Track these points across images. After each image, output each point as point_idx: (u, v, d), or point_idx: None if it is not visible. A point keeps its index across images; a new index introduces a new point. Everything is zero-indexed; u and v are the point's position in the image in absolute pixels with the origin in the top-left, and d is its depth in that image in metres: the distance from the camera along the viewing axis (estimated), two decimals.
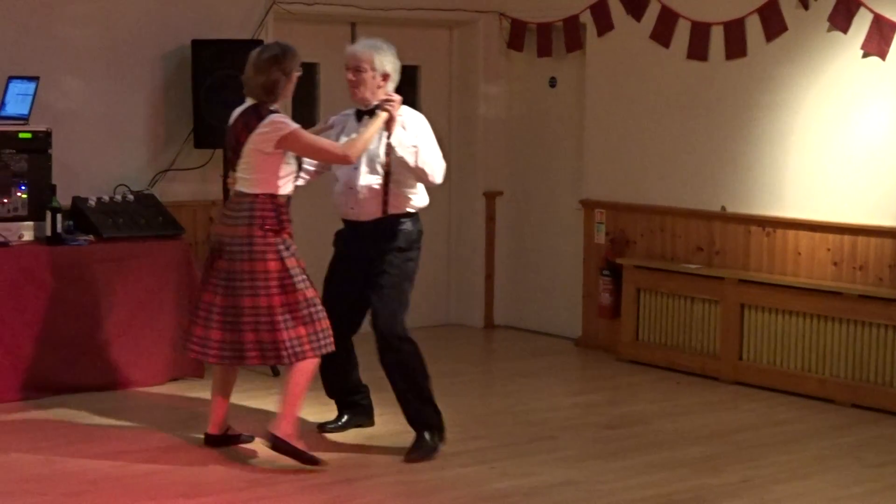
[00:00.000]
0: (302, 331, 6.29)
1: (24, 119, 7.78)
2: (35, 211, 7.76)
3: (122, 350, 7.82)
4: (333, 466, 6.29)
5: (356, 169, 6.59)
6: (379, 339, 6.65)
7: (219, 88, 8.43)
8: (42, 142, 7.80)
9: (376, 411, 7.21)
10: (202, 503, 5.75)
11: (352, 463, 6.39)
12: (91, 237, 7.89)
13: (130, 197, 8.28)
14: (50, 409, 7.34)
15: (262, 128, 6.26)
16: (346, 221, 6.82)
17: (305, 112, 9.63)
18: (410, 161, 6.56)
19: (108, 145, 8.53)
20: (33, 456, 6.40)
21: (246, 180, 6.31)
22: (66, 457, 6.38)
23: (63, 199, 7.90)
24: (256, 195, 6.29)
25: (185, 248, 8.19)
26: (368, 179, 6.59)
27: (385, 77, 6.72)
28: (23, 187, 7.74)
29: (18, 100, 7.82)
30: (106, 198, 8.19)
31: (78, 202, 8.11)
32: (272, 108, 6.39)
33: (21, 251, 7.61)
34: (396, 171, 6.58)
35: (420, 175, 6.65)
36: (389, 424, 7.11)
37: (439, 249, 10.34)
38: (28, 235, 7.75)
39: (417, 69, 10.18)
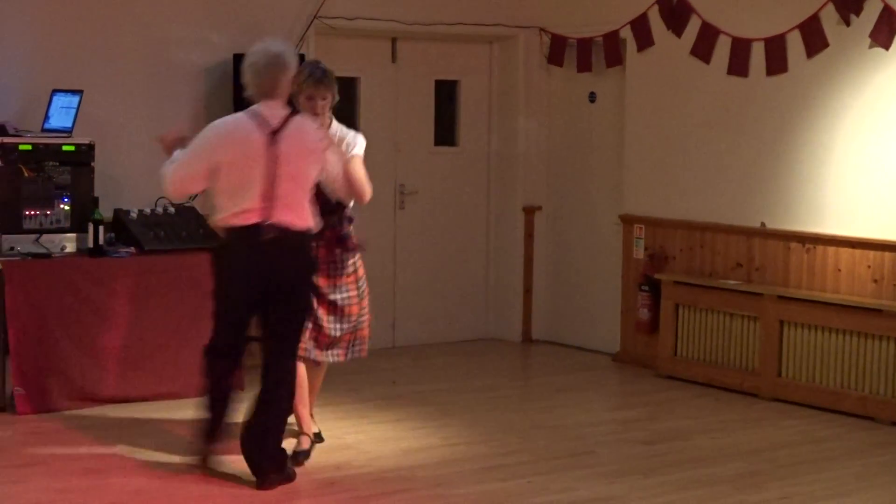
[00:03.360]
0: None
1: (67, 132, 7.85)
2: (77, 223, 7.82)
3: (162, 361, 7.86)
4: (372, 479, 6.30)
5: None
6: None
7: None
8: (85, 154, 7.87)
9: (415, 424, 7.22)
10: None
11: (390, 476, 6.39)
12: (132, 249, 7.94)
13: (171, 209, 8.32)
14: (91, 419, 7.39)
15: None
16: None
17: (348, 126, 9.65)
18: None
19: (150, 157, 8.56)
20: (76, 465, 6.44)
21: None
22: (108, 467, 6.42)
23: (105, 211, 7.96)
24: None
25: None
26: None
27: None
28: (66, 199, 7.81)
29: (62, 113, 7.89)
30: (147, 210, 8.24)
31: (120, 214, 8.16)
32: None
33: (63, 263, 7.67)
34: None
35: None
36: (429, 438, 7.12)
37: (477, 264, 10.35)
38: (70, 247, 7.81)
39: (457, 84, 10.20)
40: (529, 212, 10.26)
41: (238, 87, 8.55)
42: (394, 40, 9.81)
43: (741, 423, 7.74)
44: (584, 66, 9.75)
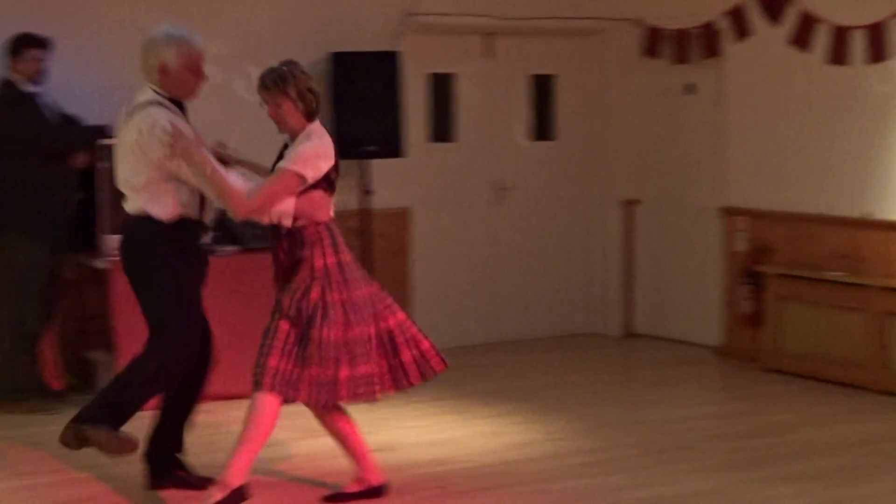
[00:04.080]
0: None
1: None
2: None
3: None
4: (474, 474, 6.31)
5: None
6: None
7: (357, 99, 8.54)
8: None
9: (517, 419, 7.22)
10: None
11: (493, 471, 6.39)
12: (234, 248, 8.02)
13: None
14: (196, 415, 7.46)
15: None
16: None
17: (443, 122, 9.70)
18: None
19: (253, 158, 8.65)
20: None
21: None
22: (214, 463, 6.48)
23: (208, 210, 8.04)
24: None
25: None
26: None
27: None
28: None
29: None
30: None
31: (222, 213, 8.23)
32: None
33: None
34: None
35: None
36: (531, 433, 7.12)
37: (576, 259, 10.31)
38: None
39: (554, 78, 10.17)
40: (628, 205, 10.20)
41: (337, 85, 8.63)
42: (489, 36, 9.81)
43: (846, 415, 7.64)
44: (681, 57, 9.68)
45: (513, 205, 10.04)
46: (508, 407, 7.75)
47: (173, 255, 5.84)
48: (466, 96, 9.79)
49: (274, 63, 8.71)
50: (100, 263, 7.68)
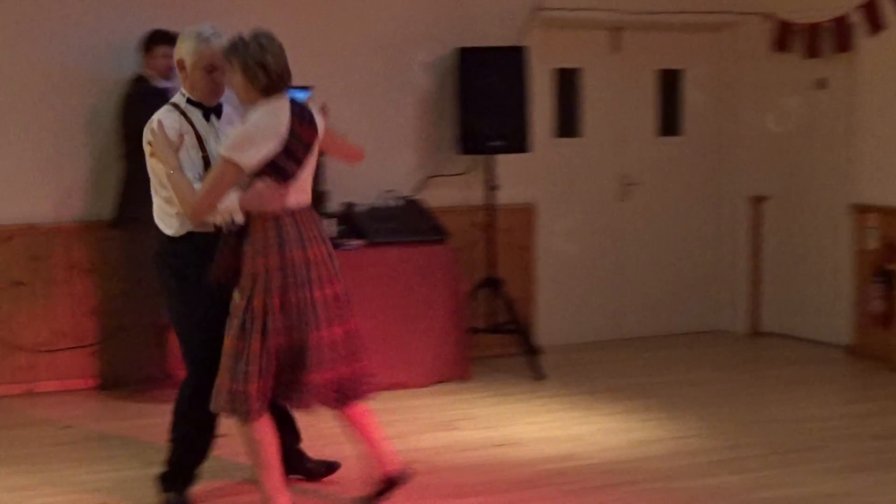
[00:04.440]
0: None
1: None
2: None
3: (390, 352, 7.98)
4: (600, 471, 6.28)
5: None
6: None
7: (484, 95, 8.56)
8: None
9: (643, 416, 7.18)
10: (466, 503, 5.80)
11: (619, 468, 6.36)
12: (360, 241, 8.08)
13: (398, 202, 8.45)
14: (321, 408, 7.52)
15: (319, 122, 5.46)
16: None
17: (570, 117, 9.67)
18: None
19: (378, 151, 8.73)
20: (309, 452, 6.56)
21: (310, 187, 5.41)
22: (340, 454, 6.53)
23: (334, 204, 8.12)
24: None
25: (451, 252, 8.30)
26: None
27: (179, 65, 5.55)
28: None
29: None
30: (375, 203, 8.38)
31: (348, 207, 8.32)
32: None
33: None
34: None
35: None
36: (657, 430, 7.07)
37: (702, 255, 10.21)
38: None
39: (681, 73, 10.08)
40: (756, 201, 10.07)
41: (463, 80, 8.65)
42: (616, 30, 9.75)
43: None
44: (812, 51, 9.52)
45: (639, 200, 9.97)
46: (633, 404, 7.70)
47: (179, 276, 5.48)
48: (592, 91, 9.75)
49: (401, 58, 8.82)
50: None
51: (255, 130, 5.13)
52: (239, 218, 5.18)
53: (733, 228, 10.17)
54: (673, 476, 6.22)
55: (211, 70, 5.41)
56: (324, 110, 5.63)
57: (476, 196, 8.92)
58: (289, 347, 5.22)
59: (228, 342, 5.21)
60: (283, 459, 5.60)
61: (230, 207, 5.13)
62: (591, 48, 9.70)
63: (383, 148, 8.80)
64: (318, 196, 7.92)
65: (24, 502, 5.73)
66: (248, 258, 5.17)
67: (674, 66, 10.06)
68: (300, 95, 8.03)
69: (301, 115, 5.28)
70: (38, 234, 7.91)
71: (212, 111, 5.49)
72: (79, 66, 7.98)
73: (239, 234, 5.19)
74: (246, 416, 5.25)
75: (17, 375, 7.87)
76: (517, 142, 8.72)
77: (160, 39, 7.71)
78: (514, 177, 9.08)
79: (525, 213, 9.35)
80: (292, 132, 5.18)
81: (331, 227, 7.99)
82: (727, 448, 6.74)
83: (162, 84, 7.73)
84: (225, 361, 5.22)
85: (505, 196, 8.97)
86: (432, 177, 8.90)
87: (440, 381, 8.16)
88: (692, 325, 10.13)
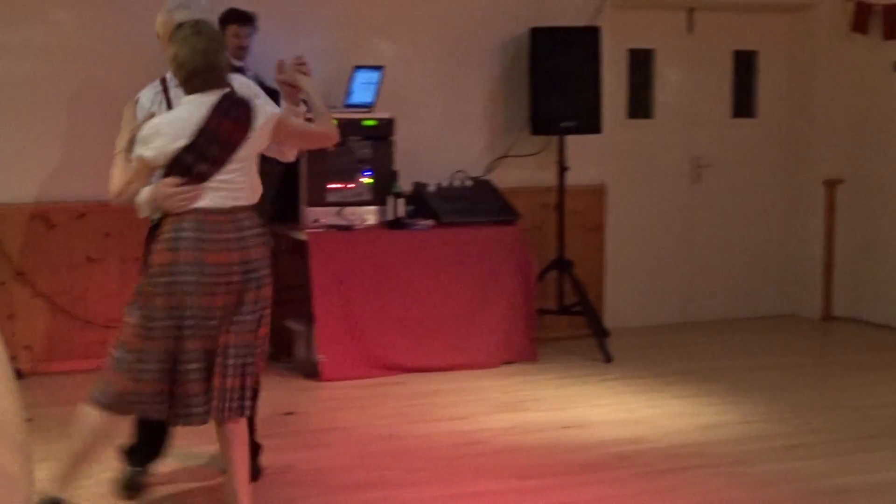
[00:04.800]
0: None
1: (369, 107, 8.04)
2: (378, 196, 8.02)
3: (459, 333, 7.98)
4: (668, 454, 6.25)
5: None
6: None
7: (555, 75, 8.52)
8: (385, 129, 8.06)
9: (711, 400, 7.14)
10: (533, 485, 5.79)
11: (686, 452, 6.32)
12: (431, 222, 8.08)
13: (469, 182, 8.44)
14: (390, 387, 7.57)
15: (262, 119, 4.95)
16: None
17: (643, 98, 9.61)
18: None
19: (448, 131, 8.73)
20: (375, 431, 6.61)
21: (242, 189, 4.94)
22: (406, 435, 6.56)
23: (404, 184, 8.13)
24: (254, 206, 5.06)
25: (521, 233, 8.28)
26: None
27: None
28: (367, 173, 8.00)
29: (364, 88, 8.08)
30: (445, 183, 8.38)
31: (418, 187, 8.32)
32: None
33: (364, 235, 7.88)
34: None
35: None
36: (726, 414, 7.02)
37: (775, 239, 10.12)
38: (371, 220, 8.01)
39: (756, 54, 9.98)
40: (831, 185, 9.95)
41: (535, 60, 8.62)
42: (690, 11, 9.66)
43: None
44: (890, 33, 9.38)
45: (711, 183, 9.89)
46: (702, 387, 7.65)
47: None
48: (665, 72, 9.67)
49: (474, 39, 8.79)
50: (300, 234, 7.82)
51: (162, 125, 4.83)
52: (153, 214, 4.94)
53: (806, 212, 10.06)
54: (741, 460, 6.17)
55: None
56: (300, 68, 5.34)
57: (547, 177, 8.89)
58: (166, 351, 4.82)
59: (124, 334, 4.90)
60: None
61: (143, 200, 4.88)
62: (665, 29, 9.63)
63: (454, 128, 8.80)
64: (390, 176, 7.95)
65: (94, 475, 5.78)
66: (151, 253, 4.93)
67: (749, 48, 9.96)
68: (373, 74, 8.05)
69: (228, 112, 4.83)
70: (111, 211, 7.97)
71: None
72: (151, 45, 8.02)
73: (154, 228, 5.00)
74: (109, 405, 4.90)
75: (89, 350, 7.95)
76: (589, 122, 8.67)
77: (231, 18, 7.74)
78: (585, 158, 9.04)
79: (596, 195, 9.31)
80: (205, 131, 4.77)
81: (400, 208, 8.00)
82: (797, 433, 6.67)
83: (233, 63, 7.75)
84: (116, 352, 4.93)
85: (575, 177, 8.93)
86: (503, 157, 8.88)
87: (508, 362, 8.16)
88: (763, 309, 10.04)
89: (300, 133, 5.26)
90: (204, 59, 4.83)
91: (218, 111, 4.81)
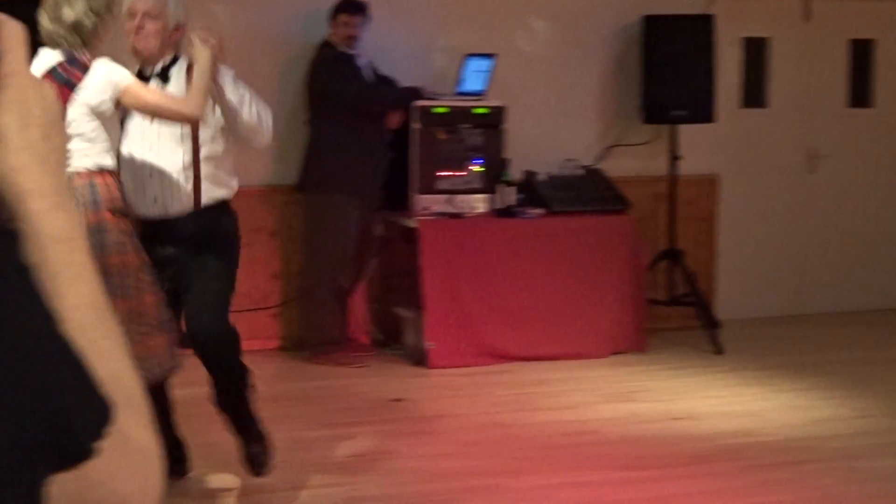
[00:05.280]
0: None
1: (480, 95, 8.04)
2: (488, 184, 8.01)
3: (568, 322, 7.95)
4: (780, 448, 6.17)
5: (146, 141, 5.03)
6: (208, 343, 5.08)
7: (668, 64, 8.45)
8: (497, 117, 8.04)
9: (824, 394, 7.02)
10: (641, 476, 5.75)
11: (799, 446, 6.23)
12: (541, 210, 8.06)
13: (579, 171, 8.40)
14: (498, 375, 7.57)
15: (92, 81, 4.72)
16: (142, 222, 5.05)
17: (757, 87, 9.49)
18: (245, 112, 5.02)
19: (559, 119, 8.70)
20: (482, 420, 6.61)
21: (77, 154, 4.70)
22: (513, 423, 6.56)
23: (515, 172, 8.12)
24: (93, 171, 4.76)
25: (632, 223, 8.22)
26: (179, 154, 5.01)
27: (179, 29, 5.02)
28: (478, 161, 8.00)
29: (476, 76, 8.08)
30: (555, 172, 8.34)
31: (529, 176, 8.30)
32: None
33: (474, 223, 7.87)
34: (218, 137, 5.09)
35: (251, 131, 5.11)
36: (840, 408, 6.92)
37: (890, 230, 9.93)
38: (481, 208, 8.00)
39: (874, 43, 9.79)
40: None
41: (648, 48, 8.55)
42: None
43: None
44: None
45: (826, 173, 9.73)
46: (814, 381, 7.53)
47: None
48: (781, 61, 9.53)
49: (586, 26, 8.74)
50: (410, 222, 7.84)
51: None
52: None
53: None
54: (856, 455, 6.07)
55: (131, 17, 4.92)
56: (204, 41, 4.85)
57: (658, 166, 8.82)
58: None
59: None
60: None
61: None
62: (781, 17, 9.48)
63: (565, 116, 8.76)
64: (500, 164, 7.94)
65: (206, 458, 5.86)
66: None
67: (866, 36, 9.78)
68: (484, 62, 8.05)
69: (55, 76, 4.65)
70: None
71: (164, 71, 4.96)
72: (270, 31, 8.11)
73: None
74: None
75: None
76: (702, 111, 8.58)
77: (342, 7, 7.78)
78: (697, 147, 8.95)
79: (708, 184, 9.21)
80: None
81: (510, 196, 7.98)
82: None
83: (346, 51, 7.80)
84: None
85: (687, 166, 8.84)
86: (614, 146, 8.82)
87: (617, 353, 8.11)
88: (878, 301, 9.86)
89: (151, 107, 4.85)
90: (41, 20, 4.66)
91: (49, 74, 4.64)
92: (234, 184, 5.21)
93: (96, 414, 1.05)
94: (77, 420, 1.03)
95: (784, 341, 8.70)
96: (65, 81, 4.65)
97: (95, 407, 1.05)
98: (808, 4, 9.50)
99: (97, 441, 1.04)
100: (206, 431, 5.64)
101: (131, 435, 1.07)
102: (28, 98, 1.08)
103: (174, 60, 5.00)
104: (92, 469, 1.04)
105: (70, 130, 4.65)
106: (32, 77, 1.09)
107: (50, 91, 1.11)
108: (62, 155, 1.09)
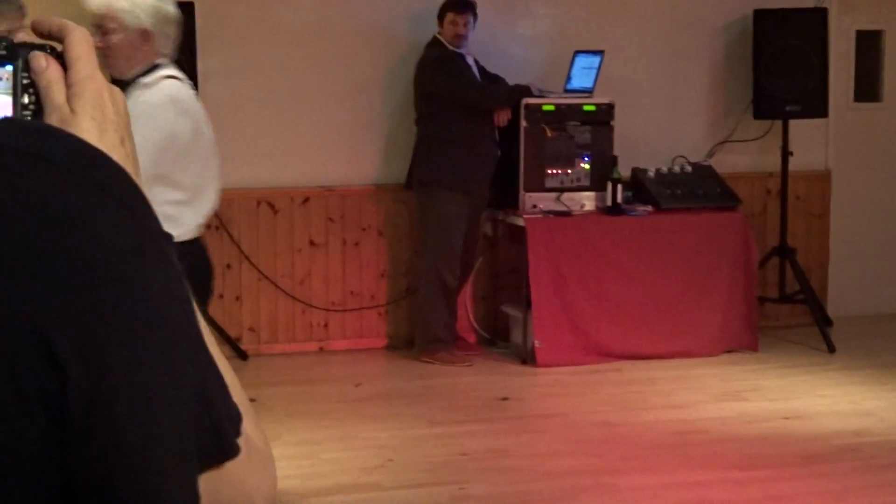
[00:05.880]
0: None
1: (588, 92, 8.00)
2: (597, 181, 7.96)
3: (678, 320, 7.88)
4: (893, 448, 6.05)
5: None
6: None
7: (780, 58, 8.35)
8: (605, 114, 8.00)
9: None
10: (753, 476, 5.69)
11: None
12: (650, 208, 8.00)
13: (688, 168, 8.32)
14: (606, 374, 7.53)
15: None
16: None
17: (871, 81, 9.32)
18: None
19: (668, 116, 8.63)
20: (593, 417, 6.59)
21: None
22: (621, 422, 6.52)
23: (623, 169, 8.06)
24: None
25: (743, 219, 8.12)
26: None
27: (145, 36, 4.36)
28: (586, 158, 7.96)
29: (584, 73, 8.04)
30: (664, 169, 8.27)
31: (637, 173, 8.24)
32: None
33: (583, 220, 7.84)
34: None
35: None
36: None
37: None
38: (589, 205, 7.97)
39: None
40: None
41: (758, 42, 8.44)
42: None
43: None
44: None
45: None
46: None
47: None
48: (895, 54, 9.35)
49: (695, 21, 8.66)
50: (518, 220, 7.83)
51: None
52: None
53: None
54: None
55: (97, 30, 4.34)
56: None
57: (769, 162, 8.70)
58: None
59: None
60: None
61: None
62: (895, 9, 9.31)
63: (674, 113, 8.69)
64: (609, 161, 7.90)
65: (315, 455, 5.91)
66: None
67: None
68: (593, 59, 8.01)
69: None
70: (333, 195, 8.13)
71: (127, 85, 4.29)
72: (378, 29, 8.15)
73: None
74: None
75: (311, 333, 8.13)
76: (815, 106, 8.46)
77: (449, 6, 7.78)
78: (809, 142, 8.82)
79: (820, 180, 9.07)
80: None
81: (619, 194, 7.93)
82: None
83: (455, 49, 7.81)
84: None
85: (799, 162, 8.72)
86: (724, 142, 8.73)
87: (728, 351, 8.02)
88: None
89: None
90: None
91: None
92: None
93: (235, 413, 1.08)
94: (224, 417, 1.06)
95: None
96: None
97: (233, 407, 1.08)
98: None
99: (238, 440, 1.07)
100: None
101: (251, 437, 1.11)
102: (104, 103, 1.10)
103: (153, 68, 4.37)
104: (231, 467, 1.07)
105: None
106: (105, 81, 1.11)
107: (121, 95, 1.13)
108: (136, 159, 1.11)
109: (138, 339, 0.98)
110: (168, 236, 1.05)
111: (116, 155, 1.06)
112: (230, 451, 1.06)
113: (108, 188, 1.01)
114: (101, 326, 0.96)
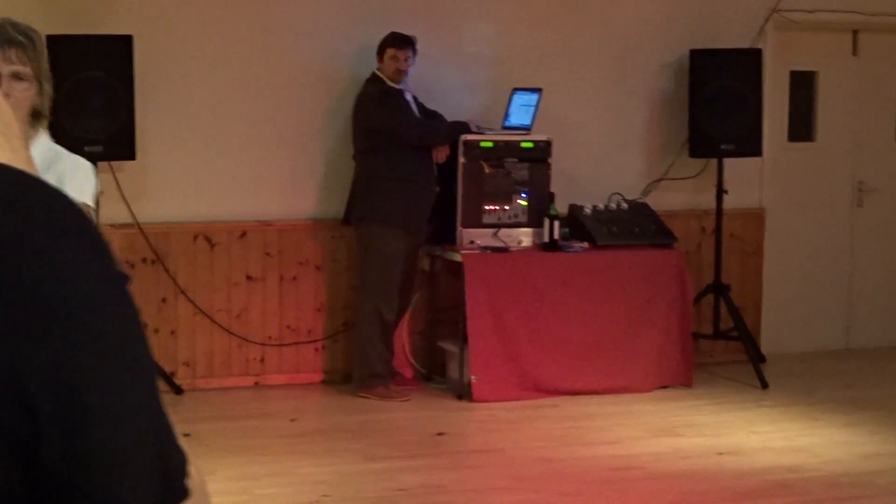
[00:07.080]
0: None
1: (526, 129, 8.05)
2: (534, 218, 8.01)
3: (614, 356, 7.93)
4: (826, 484, 6.11)
5: None
6: None
7: (716, 97, 8.44)
8: (543, 151, 8.05)
9: (872, 429, 6.96)
10: None
11: (845, 481, 6.16)
12: (586, 244, 8.05)
13: (625, 205, 8.39)
14: (543, 409, 7.54)
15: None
16: None
17: (805, 121, 9.45)
18: None
19: (605, 153, 8.70)
20: (527, 454, 6.60)
21: None
22: (558, 458, 6.54)
23: (560, 206, 8.12)
24: None
25: (678, 256, 8.20)
26: None
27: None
28: (524, 195, 8.00)
29: (522, 111, 8.09)
30: (601, 205, 8.34)
31: (574, 210, 8.29)
32: None
33: (520, 257, 7.87)
34: None
35: None
36: (887, 444, 6.85)
37: None
38: (526, 241, 8.01)
39: None
40: None
41: (695, 82, 8.54)
42: (855, 33, 9.48)
43: None
44: None
45: (875, 207, 9.66)
46: (861, 416, 7.47)
47: None
48: (829, 95, 9.49)
49: (633, 60, 8.74)
50: (455, 256, 7.85)
51: None
52: None
53: None
54: None
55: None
56: None
57: (704, 200, 8.79)
58: None
59: None
60: None
61: None
62: (829, 51, 9.45)
63: (612, 151, 8.76)
64: (546, 198, 7.95)
65: (250, 491, 5.88)
66: None
67: None
68: (531, 97, 8.07)
69: None
70: (270, 230, 8.11)
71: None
72: (317, 65, 8.16)
73: None
74: None
75: (247, 368, 8.09)
76: (749, 145, 8.56)
77: (390, 42, 7.81)
78: (744, 181, 8.92)
79: (754, 219, 9.17)
80: None
81: (556, 230, 7.98)
82: None
83: (394, 85, 7.83)
84: None
85: (734, 200, 8.81)
86: (660, 180, 8.81)
87: (663, 387, 8.07)
88: None
89: None
90: None
91: None
92: None
93: (183, 455, 1.08)
94: (176, 459, 1.06)
95: (831, 376, 8.63)
96: None
97: (181, 448, 1.08)
98: (856, 39, 9.46)
99: (186, 481, 1.08)
100: None
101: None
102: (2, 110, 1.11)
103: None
104: None
105: None
106: None
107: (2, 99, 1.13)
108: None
109: (109, 380, 0.98)
110: (126, 276, 1.06)
111: (19, 162, 1.06)
112: (181, 494, 1.07)
113: (71, 230, 1.02)
114: (73, 368, 0.96)
